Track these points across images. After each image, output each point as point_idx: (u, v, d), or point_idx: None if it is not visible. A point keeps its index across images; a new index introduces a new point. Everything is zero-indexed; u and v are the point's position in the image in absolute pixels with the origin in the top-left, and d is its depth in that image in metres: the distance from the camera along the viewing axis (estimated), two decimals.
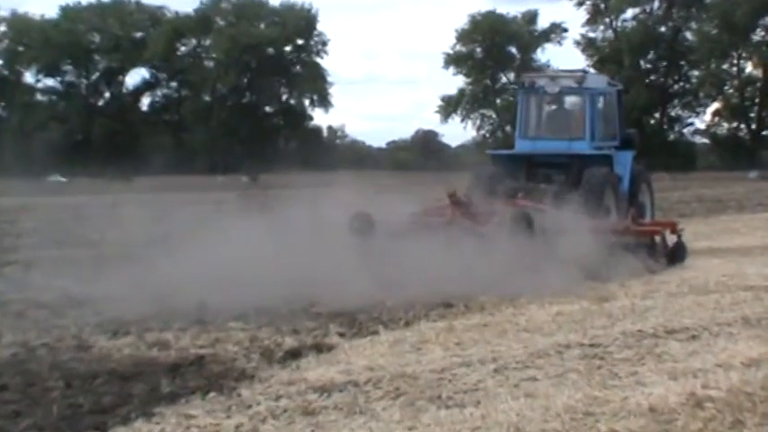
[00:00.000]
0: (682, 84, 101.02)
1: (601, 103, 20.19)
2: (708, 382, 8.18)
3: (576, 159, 19.41)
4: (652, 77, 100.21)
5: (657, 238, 18.33)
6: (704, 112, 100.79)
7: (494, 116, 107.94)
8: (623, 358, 9.32)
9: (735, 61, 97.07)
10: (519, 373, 8.75)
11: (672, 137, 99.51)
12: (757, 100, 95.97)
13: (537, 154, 19.93)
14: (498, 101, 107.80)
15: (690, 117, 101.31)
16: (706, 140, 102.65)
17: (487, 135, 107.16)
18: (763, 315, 11.51)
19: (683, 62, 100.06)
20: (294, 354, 9.68)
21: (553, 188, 18.92)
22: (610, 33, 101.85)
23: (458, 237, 15.23)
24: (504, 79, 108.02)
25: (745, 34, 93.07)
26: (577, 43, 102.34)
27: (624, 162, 20.20)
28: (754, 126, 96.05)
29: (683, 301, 12.70)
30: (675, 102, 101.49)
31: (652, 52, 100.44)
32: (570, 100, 20.55)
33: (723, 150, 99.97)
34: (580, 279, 14.49)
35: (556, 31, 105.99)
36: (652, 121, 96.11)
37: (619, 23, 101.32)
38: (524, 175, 19.62)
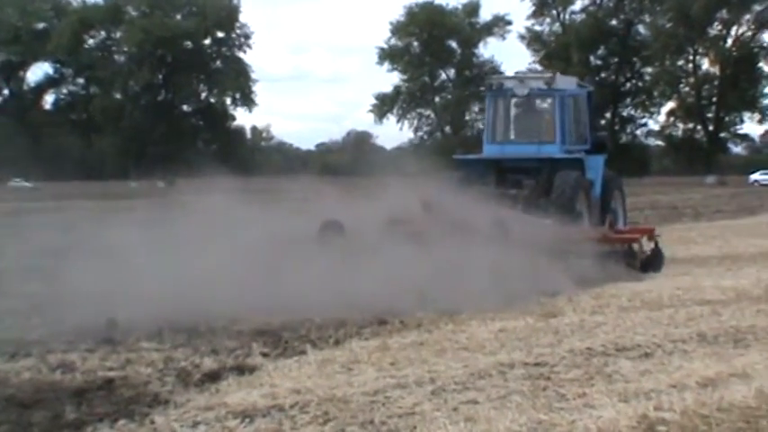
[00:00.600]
0: (634, 81, 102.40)
1: (571, 105, 20.92)
2: (661, 403, 8.27)
3: (547, 164, 20.14)
4: (602, 74, 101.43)
5: (635, 246, 19.22)
6: (658, 113, 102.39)
7: (432, 116, 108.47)
8: (571, 378, 9.39)
9: (691, 57, 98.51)
10: (458, 396, 8.78)
11: (624, 138, 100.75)
12: (714, 99, 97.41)
13: (506, 158, 20.65)
14: (437, 99, 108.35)
15: (643, 117, 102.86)
16: (660, 142, 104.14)
17: (425, 136, 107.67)
18: (719, 331, 11.68)
19: (635, 58, 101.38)
20: (213, 376, 9.63)
21: (524, 194, 19.63)
22: (557, 27, 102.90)
23: (420, 246, 15.35)
24: (443, 76, 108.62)
25: (701, 28, 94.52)
26: (522, 37, 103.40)
27: (596, 166, 20.94)
28: (711, 127, 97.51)
29: (635, 317, 12.84)
30: (627, 101, 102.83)
31: (602, 47, 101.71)
32: (539, 102, 21.27)
33: (678, 153, 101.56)
34: (530, 291, 14.63)
35: (499, 25, 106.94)
36: (603, 122, 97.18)
37: (567, 16, 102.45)
38: (494, 181, 20.19)
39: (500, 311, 13.31)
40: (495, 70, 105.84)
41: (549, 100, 20.84)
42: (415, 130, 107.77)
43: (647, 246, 19.63)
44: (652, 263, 19.07)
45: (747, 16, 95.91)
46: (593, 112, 22.14)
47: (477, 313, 13.13)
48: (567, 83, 21.74)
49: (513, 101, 21.19)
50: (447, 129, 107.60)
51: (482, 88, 22.69)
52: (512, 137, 21.26)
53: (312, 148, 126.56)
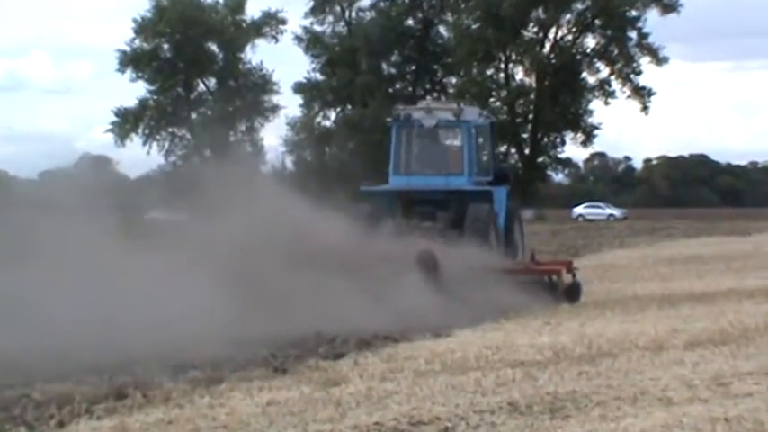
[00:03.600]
0: (435, 94, 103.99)
1: (476, 136, 25.23)
2: None
3: (455, 196, 24.49)
4: (397, 86, 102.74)
5: (555, 277, 23.89)
6: None
7: (188, 136, 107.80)
8: None
9: (502, 66, 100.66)
10: None
11: None
12: (531, 116, 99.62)
13: (413, 190, 24.91)
14: (194, 115, 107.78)
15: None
16: None
17: (179, 161, 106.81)
18: (534, 399, 11.95)
19: (436, 66, 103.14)
20: None
21: (438, 226, 23.73)
22: (341, 27, 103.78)
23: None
24: (201, 86, 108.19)
25: (514, 31, 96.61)
26: (299, 39, 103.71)
27: (500, 198, 25.40)
28: (527, 151, 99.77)
29: (435, 383, 13.03)
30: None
31: (396, 53, 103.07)
32: (446, 133, 25.63)
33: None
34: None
35: (270, 24, 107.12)
36: None
37: (353, 14, 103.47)
38: (400, 213, 24.27)
39: (269, 379, 13.32)
40: (267, 80, 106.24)
41: (457, 131, 25.23)
42: (167, 154, 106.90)
43: (566, 278, 24.19)
44: (571, 294, 23.49)
45: (568, 16, 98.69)
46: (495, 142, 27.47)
47: (241, 382, 13.10)
48: (472, 113, 26.42)
49: (421, 132, 25.26)
50: (207, 152, 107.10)
51: (389, 119, 26.97)
52: (418, 168, 25.51)
53: (35, 176, 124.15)
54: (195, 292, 15.64)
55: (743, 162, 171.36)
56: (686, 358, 14.91)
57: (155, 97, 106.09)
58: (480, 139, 26.06)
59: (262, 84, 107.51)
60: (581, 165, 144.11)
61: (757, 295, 24.27)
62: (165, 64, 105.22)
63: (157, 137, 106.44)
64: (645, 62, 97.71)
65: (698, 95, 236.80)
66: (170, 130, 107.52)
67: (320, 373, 13.99)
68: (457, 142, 25.52)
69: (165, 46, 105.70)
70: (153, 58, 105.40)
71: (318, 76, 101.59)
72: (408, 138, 25.66)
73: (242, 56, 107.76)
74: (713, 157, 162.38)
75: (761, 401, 11.56)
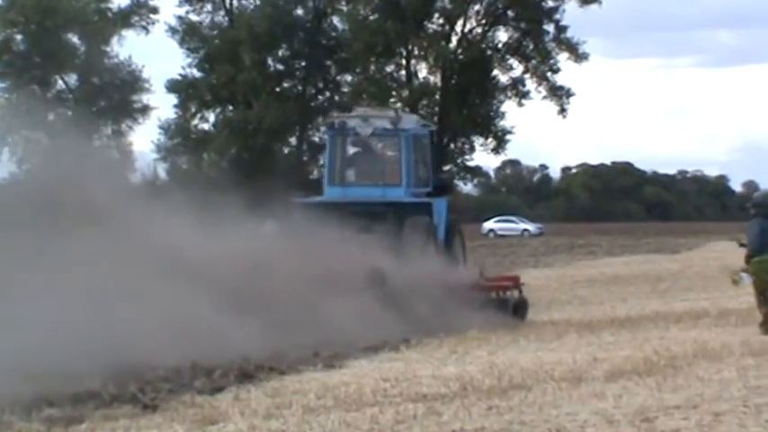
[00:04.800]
0: (329, 94, 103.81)
1: (415, 145, 27.06)
2: None
3: (393, 208, 26.52)
4: (285, 84, 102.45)
5: (504, 293, 26.38)
6: None
7: (45, 140, 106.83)
8: None
9: (404, 62, 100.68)
10: None
11: (317, 173, 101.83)
12: (436, 119, 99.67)
13: (349, 202, 26.69)
14: (52, 116, 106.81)
15: None
16: None
17: (34, 170, 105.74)
18: None
19: (329, 62, 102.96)
20: None
21: (376, 239, 25.01)
22: (222, 17, 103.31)
23: None
24: (60, 84, 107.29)
25: (417, 23, 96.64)
26: (173, 30, 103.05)
27: (440, 210, 27.07)
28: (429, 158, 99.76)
29: (326, 421, 13.06)
30: (320, 120, 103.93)
31: (284, 47, 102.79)
32: (383, 142, 27.65)
33: None
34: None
35: (140, 13, 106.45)
36: (286, 150, 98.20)
37: (235, 2, 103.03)
38: (336, 226, 24.95)
39: (137, 417, 13.26)
40: (136, 77, 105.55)
41: (394, 140, 27.08)
42: (20, 161, 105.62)
43: (513, 294, 26.60)
44: (517, 311, 25.82)
45: (477, 7, 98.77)
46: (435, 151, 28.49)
47: (105, 421, 13.03)
48: (410, 121, 28.63)
49: (357, 141, 27.21)
50: (66, 159, 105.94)
51: (322, 129, 27.89)
52: (354, 179, 27.64)
53: None
54: (52, 316, 15.48)
55: (671, 171, 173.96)
56: (607, 391, 15.04)
57: (6, 96, 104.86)
58: (419, 149, 27.83)
59: (130, 81, 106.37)
60: (492, 174, 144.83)
61: (686, 320, 24.60)
62: (17, 58, 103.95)
63: (9, 141, 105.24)
64: (563, 59, 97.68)
65: (622, 96, 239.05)
66: (24, 132, 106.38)
67: (196, 409, 13.95)
68: (394, 152, 27.30)
69: (19, 37, 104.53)
70: (4, 51, 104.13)
71: (195, 73, 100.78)
72: (343, 147, 27.72)
73: (107, 49, 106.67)
74: (638, 165, 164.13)
75: None
